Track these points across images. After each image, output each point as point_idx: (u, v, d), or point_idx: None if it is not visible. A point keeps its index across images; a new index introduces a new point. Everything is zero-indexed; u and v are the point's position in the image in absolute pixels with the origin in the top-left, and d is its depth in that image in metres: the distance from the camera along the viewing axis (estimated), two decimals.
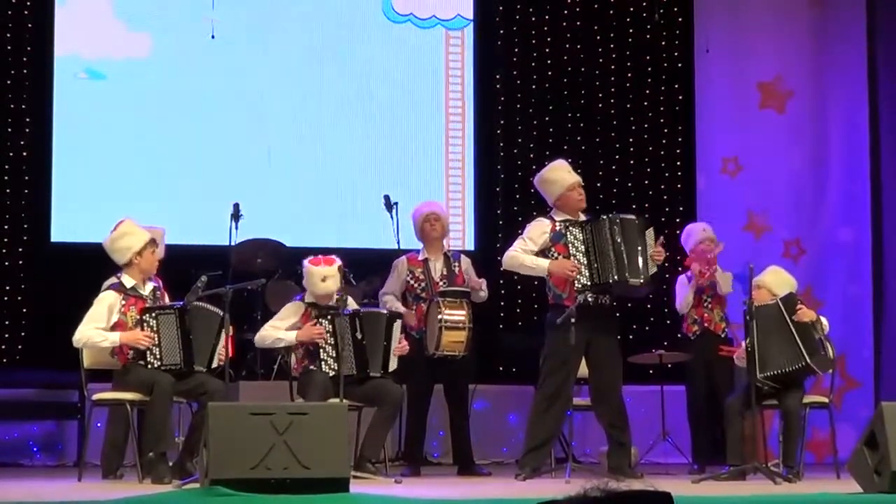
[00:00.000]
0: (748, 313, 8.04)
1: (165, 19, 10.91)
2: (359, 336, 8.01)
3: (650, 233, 8.07)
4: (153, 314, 7.64)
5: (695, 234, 9.53)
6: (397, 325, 8.19)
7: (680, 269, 9.86)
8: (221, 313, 7.55)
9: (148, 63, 10.87)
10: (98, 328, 7.62)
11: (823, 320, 8.34)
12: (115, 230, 7.87)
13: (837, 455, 8.38)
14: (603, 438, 8.46)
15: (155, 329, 7.60)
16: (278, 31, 11.19)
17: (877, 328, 11.51)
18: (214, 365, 7.67)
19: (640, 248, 7.99)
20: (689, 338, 9.46)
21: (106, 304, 7.69)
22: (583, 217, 8.17)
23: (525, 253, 8.06)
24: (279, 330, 8.16)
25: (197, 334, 7.66)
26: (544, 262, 8.00)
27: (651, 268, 8.02)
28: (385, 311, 8.33)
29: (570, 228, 8.03)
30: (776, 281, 8.40)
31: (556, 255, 8.03)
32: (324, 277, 8.13)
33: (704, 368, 9.34)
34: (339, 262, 8.23)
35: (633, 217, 8.15)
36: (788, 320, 8.11)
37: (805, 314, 8.15)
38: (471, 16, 11.56)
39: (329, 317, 8.00)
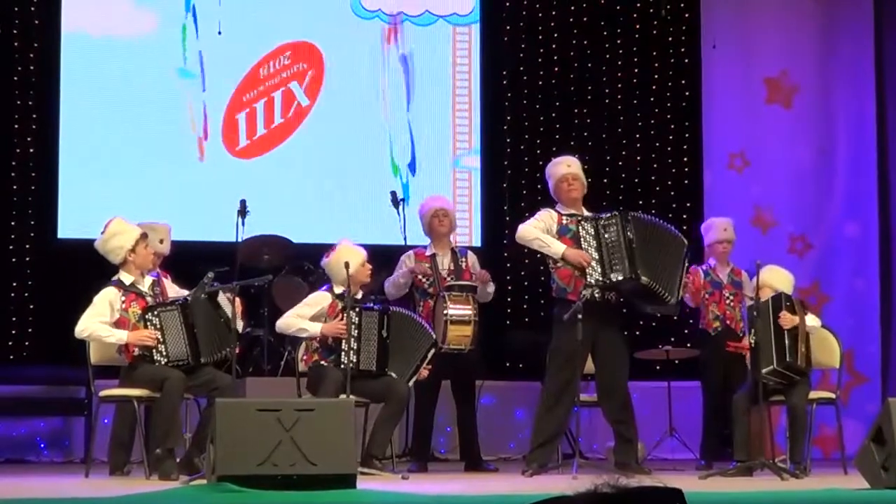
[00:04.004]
0: (754, 309, 8.04)
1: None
2: (384, 334, 8.00)
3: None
4: (155, 312, 7.62)
5: (713, 231, 9.52)
6: (432, 352, 8.19)
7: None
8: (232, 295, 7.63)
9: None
10: (102, 322, 7.62)
11: (811, 322, 8.25)
12: (104, 231, 7.83)
13: (844, 451, 8.37)
14: (610, 434, 8.46)
15: (158, 327, 7.59)
16: (282, 23, 11.18)
17: (884, 323, 11.49)
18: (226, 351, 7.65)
19: (670, 259, 7.96)
20: (709, 333, 9.43)
21: (106, 299, 7.67)
22: (586, 213, 8.17)
23: (540, 230, 8.04)
24: (304, 320, 8.09)
25: (201, 327, 7.64)
26: (560, 246, 7.96)
27: (674, 283, 7.98)
28: (432, 333, 8.27)
29: (582, 223, 8.01)
30: (775, 278, 8.37)
31: None
32: (363, 262, 8.16)
33: (722, 365, 9.30)
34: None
35: (677, 236, 8.13)
36: (772, 321, 8.09)
37: (784, 319, 8.08)
38: (460, 11, 11.51)
39: (356, 309, 7.95)
